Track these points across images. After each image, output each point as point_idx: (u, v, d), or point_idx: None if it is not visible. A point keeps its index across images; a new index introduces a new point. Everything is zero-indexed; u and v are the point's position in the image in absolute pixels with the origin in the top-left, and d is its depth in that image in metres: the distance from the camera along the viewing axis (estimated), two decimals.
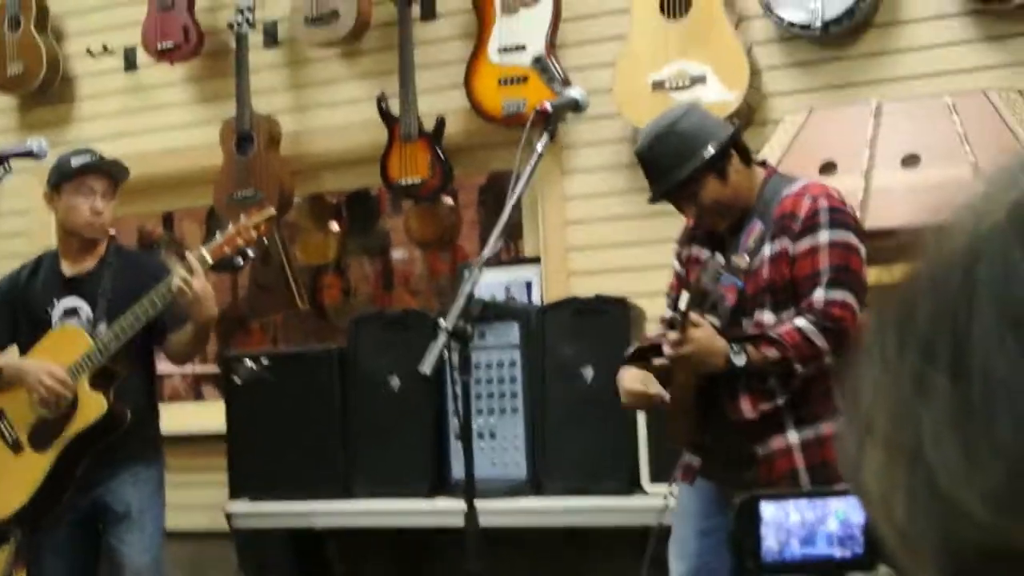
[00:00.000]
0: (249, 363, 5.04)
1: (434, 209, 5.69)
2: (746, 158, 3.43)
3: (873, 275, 4.26)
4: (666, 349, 3.28)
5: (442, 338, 2.99)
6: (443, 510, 4.63)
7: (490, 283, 4.94)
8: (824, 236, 3.29)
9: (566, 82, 4.95)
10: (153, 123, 5.84)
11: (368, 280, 7.90)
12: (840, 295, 3.26)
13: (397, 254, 7.94)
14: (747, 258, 3.29)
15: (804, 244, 3.30)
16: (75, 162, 4.45)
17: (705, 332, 3.21)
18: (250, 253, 4.25)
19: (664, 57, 4.74)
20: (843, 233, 3.31)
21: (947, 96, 4.30)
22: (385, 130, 5.26)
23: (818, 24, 4.60)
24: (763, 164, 3.53)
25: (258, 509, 4.97)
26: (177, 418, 5.43)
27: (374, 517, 4.81)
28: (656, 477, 4.29)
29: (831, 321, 3.23)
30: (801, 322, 3.25)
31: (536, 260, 5.24)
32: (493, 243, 3.20)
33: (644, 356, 3.48)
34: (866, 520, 1.16)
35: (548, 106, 3.47)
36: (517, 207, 3.38)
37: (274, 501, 4.94)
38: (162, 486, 4.54)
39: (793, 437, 3.31)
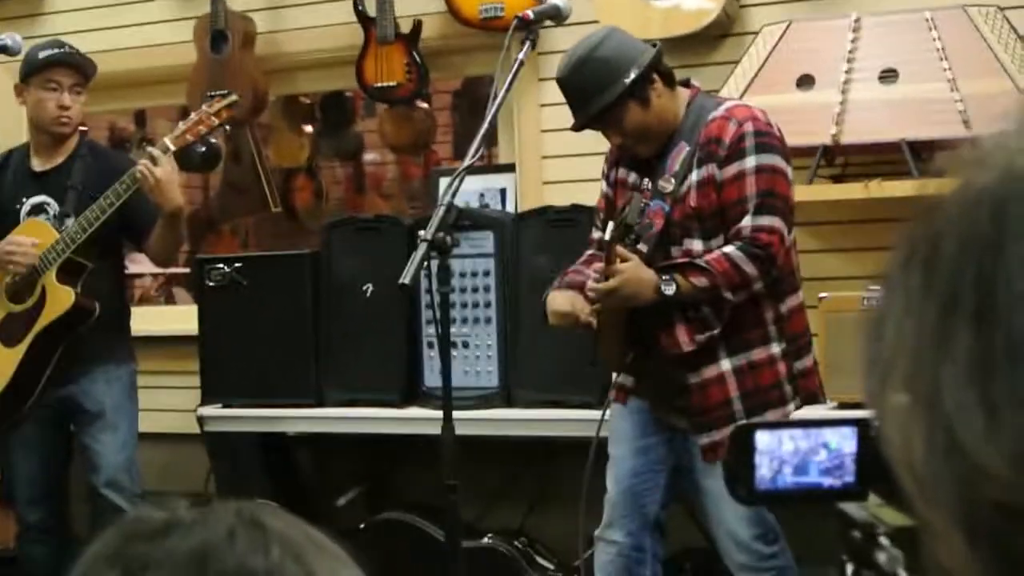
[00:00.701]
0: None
1: (409, 113, 5.64)
2: (669, 81, 3.39)
3: (853, 191, 4.29)
4: (590, 283, 3.27)
5: (422, 249, 2.97)
6: (415, 417, 4.66)
7: (464, 190, 4.88)
8: (750, 161, 3.28)
9: None
10: (126, 19, 5.77)
11: (340, 183, 7.88)
12: (767, 221, 3.27)
13: (370, 157, 7.89)
14: (673, 181, 3.28)
15: (730, 170, 3.29)
16: (42, 55, 4.40)
17: (631, 264, 3.20)
18: (212, 140, 4.26)
19: None
20: (769, 157, 3.30)
21: (926, 11, 4.29)
22: (361, 32, 5.22)
23: None
24: (687, 84, 3.49)
25: (230, 413, 4.98)
26: (149, 320, 5.45)
27: (345, 424, 4.83)
28: None
29: (759, 247, 3.24)
30: (729, 249, 3.25)
31: (511, 168, 5.22)
32: (473, 152, 3.17)
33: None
34: (858, 450, 1.16)
35: (530, 14, 3.43)
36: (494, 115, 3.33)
37: (246, 407, 4.96)
38: (134, 387, 4.55)
39: (726, 364, 3.33)
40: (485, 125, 3.27)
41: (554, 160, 5.08)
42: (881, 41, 4.35)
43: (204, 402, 5.03)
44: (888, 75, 4.30)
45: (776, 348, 3.37)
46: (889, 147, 4.25)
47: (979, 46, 4.19)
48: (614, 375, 3.53)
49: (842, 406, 4.16)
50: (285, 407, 4.89)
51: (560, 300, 3.40)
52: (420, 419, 4.57)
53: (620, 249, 3.19)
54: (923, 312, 0.69)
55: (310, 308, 4.93)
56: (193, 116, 4.22)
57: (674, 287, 3.24)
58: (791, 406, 3.40)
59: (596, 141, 4.90)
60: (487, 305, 4.68)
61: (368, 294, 4.85)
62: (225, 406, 5.00)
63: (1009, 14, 4.26)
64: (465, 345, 4.70)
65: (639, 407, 3.52)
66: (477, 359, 4.69)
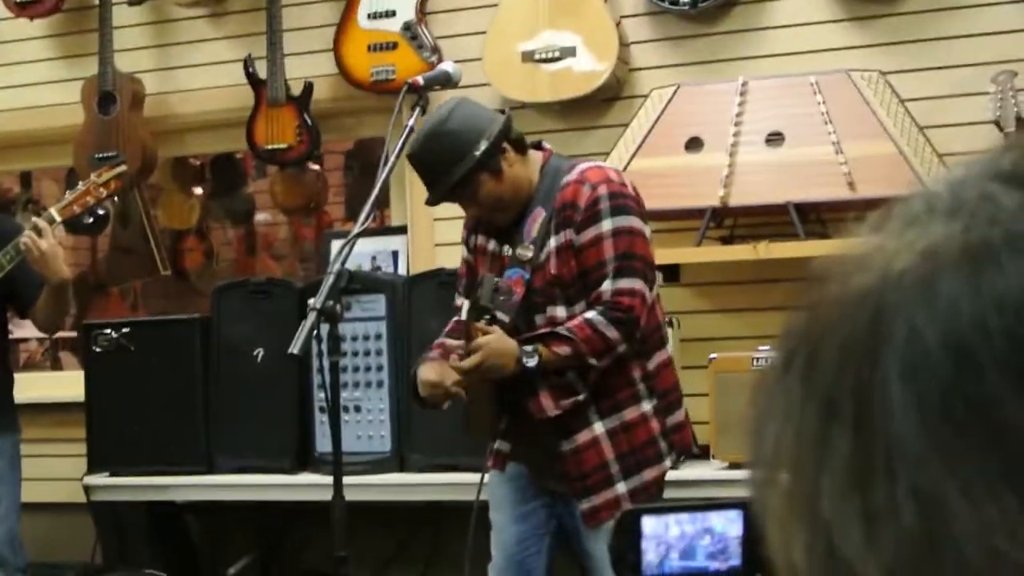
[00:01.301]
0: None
1: (300, 175, 5.63)
2: (520, 147, 3.38)
3: (741, 252, 4.33)
4: (452, 360, 3.26)
5: (311, 318, 2.94)
6: (307, 484, 4.63)
7: (356, 252, 4.85)
8: (606, 224, 3.29)
9: (435, 50, 4.91)
10: (12, 79, 5.71)
11: (231, 244, 7.80)
12: (627, 283, 3.27)
13: (261, 218, 7.84)
14: (532, 248, 3.29)
15: (587, 234, 3.29)
16: None
17: (492, 339, 3.20)
18: (100, 212, 4.19)
19: (534, 27, 4.73)
20: (624, 219, 3.30)
21: (812, 76, 4.36)
22: (252, 93, 5.21)
23: None
24: (538, 146, 3.49)
25: (117, 482, 4.92)
26: (34, 386, 5.36)
27: (236, 491, 4.79)
28: None
29: (620, 311, 3.25)
30: (591, 314, 3.26)
31: (403, 230, 5.20)
32: (364, 217, 3.16)
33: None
34: (744, 533, 1.15)
35: (420, 80, 3.44)
36: (386, 178, 3.32)
37: (134, 475, 4.90)
38: (18, 456, 4.45)
39: (599, 427, 3.33)
40: (376, 189, 3.27)
41: (446, 222, 5.06)
42: (768, 105, 4.41)
43: (91, 470, 4.95)
44: (774, 138, 4.36)
45: (647, 406, 3.37)
46: (776, 209, 4.30)
47: (862, 109, 4.26)
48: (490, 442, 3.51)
49: (732, 466, 4.21)
50: (175, 474, 4.84)
51: (428, 371, 3.38)
52: (312, 485, 4.54)
53: (479, 325, 3.19)
54: (803, 418, 0.68)
55: (200, 373, 4.89)
56: (80, 186, 4.14)
57: (536, 359, 3.23)
58: (667, 461, 3.41)
59: None
60: (379, 368, 4.66)
61: (259, 359, 4.81)
62: (113, 474, 4.93)
63: (891, 78, 4.35)
64: (357, 409, 4.67)
65: (517, 473, 3.50)
66: (370, 423, 4.66)
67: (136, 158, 5.27)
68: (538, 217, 3.33)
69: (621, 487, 3.31)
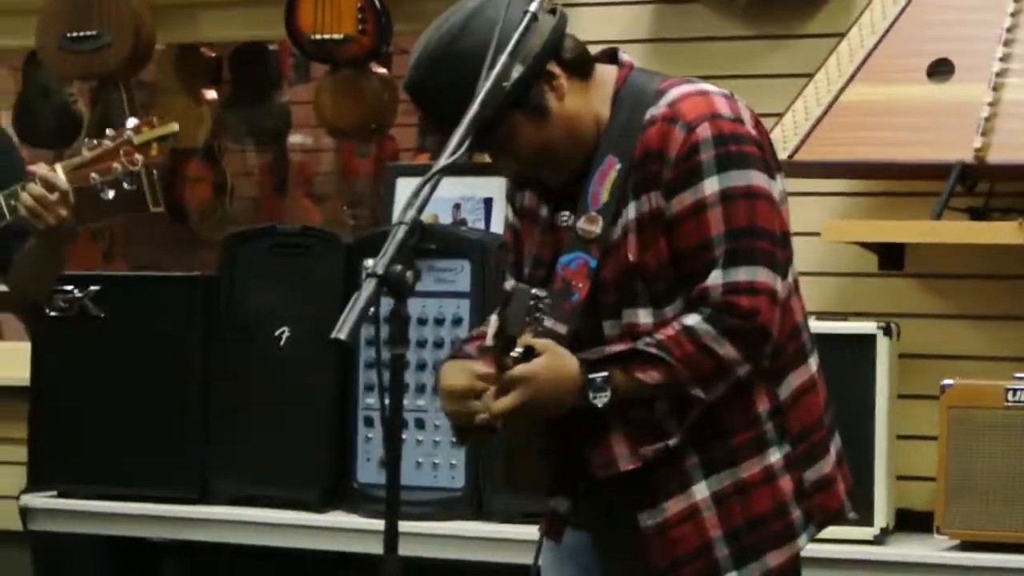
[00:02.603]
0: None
1: (359, 81, 5.59)
2: (578, 69, 3.23)
3: (1002, 232, 4.23)
4: (485, 399, 3.16)
5: (369, 288, 2.88)
6: (342, 527, 4.63)
7: (435, 198, 4.83)
8: (710, 185, 3.10)
9: None
10: None
11: (253, 175, 7.82)
12: (747, 274, 3.10)
13: (297, 140, 7.84)
14: (600, 221, 3.15)
15: (683, 200, 3.11)
16: None
17: (538, 366, 3.08)
18: (126, 185, 4.12)
19: None
20: (740, 175, 3.12)
21: None
22: None
23: None
24: (613, 58, 3.36)
25: (68, 506, 4.93)
26: None
27: (239, 531, 4.79)
28: None
29: (737, 316, 3.09)
30: (693, 321, 3.09)
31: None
32: (455, 145, 3.08)
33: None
34: None
35: None
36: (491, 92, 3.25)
37: (91, 497, 4.91)
38: None
39: (701, 491, 3.18)
40: (475, 105, 3.18)
41: None
42: None
43: (32, 487, 4.97)
44: None
45: (775, 455, 3.21)
46: None
47: None
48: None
49: (964, 546, 4.13)
50: (152, 500, 4.83)
51: (454, 373, 3.30)
52: (349, 530, 4.55)
53: (513, 356, 3.08)
54: None
55: (197, 358, 4.89)
56: (107, 142, 4.08)
57: (608, 393, 3.12)
58: (802, 539, 3.28)
59: None
60: None
61: (283, 342, 4.80)
62: (62, 494, 4.94)
63: None
64: (420, 425, 4.64)
65: (579, 545, 3.41)
66: (437, 446, 4.63)
67: (125, 42, 5.29)
68: (609, 170, 3.20)
69: None
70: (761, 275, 3.05)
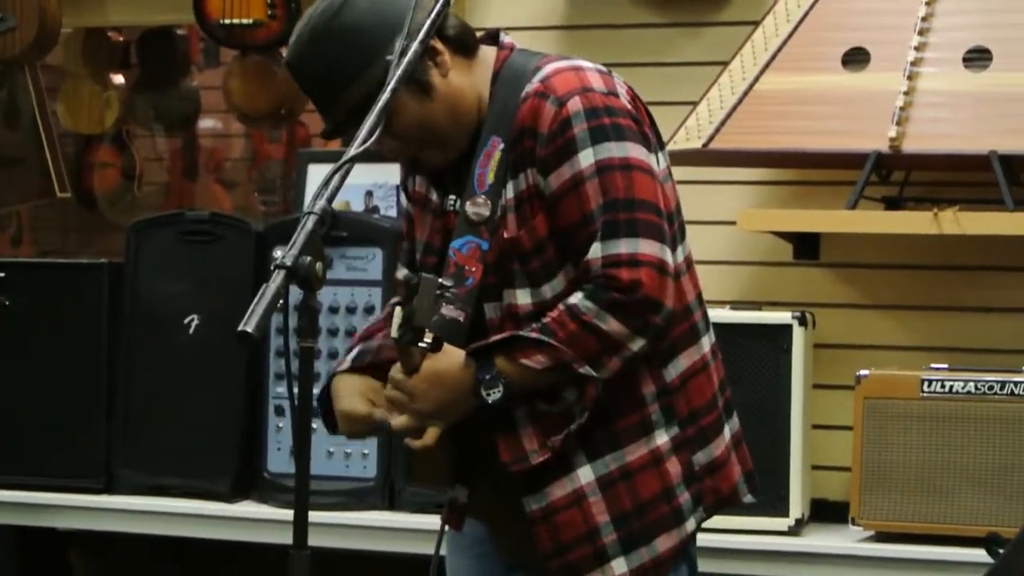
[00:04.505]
0: None
1: (270, 66, 5.56)
2: (462, 46, 3.20)
3: (916, 222, 4.23)
4: (377, 414, 3.13)
5: (277, 279, 2.82)
6: (250, 517, 4.60)
7: (347, 185, 4.81)
8: (587, 158, 3.07)
9: None
10: None
11: (162, 162, 7.78)
12: (626, 246, 3.05)
13: (207, 125, 7.81)
14: (488, 202, 3.12)
15: (561, 176, 3.09)
16: None
17: (423, 380, 3.05)
18: None
19: None
20: (614, 146, 3.08)
21: None
22: None
23: None
24: (495, 39, 3.33)
25: None
26: None
27: (145, 521, 4.75)
28: None
29: (617, 289, 3.05)
30: (575, 298, 3.07)
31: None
32: (366, 133, 3.03)
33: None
34: None
35: None
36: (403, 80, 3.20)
37: None
38: None
39: (586, 475, 3.14)
40: (386, 92, 3.13)
41: None
42: (970, 6, 4.35)
43: None
44: (976, 57, 4.29)
45: (662, 438, 3.16)
46: (972, 161, 4.20)
47: None
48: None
49: (880, 537, 4.14)
50: (56, 490, 4.81)
51: (350, 399, 3.23)
52: (258, 520, 4.53)
53: (420, 348, 3.03)
54: None
55: (103, 345, 4.86)
56: None
57: (501, 390, 3.08)
58: (690, 523, 3.23)
59: None
60: None
61: (192, 330, 4.78)
62: None
63: None
64: None
65: (478, 535, 3.37)
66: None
67: (30, 25, 5.29)
68: (494, 151, 3.16)
69: (619, 565, 3.17)
70: (644, 247, 3.00)
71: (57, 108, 6.38)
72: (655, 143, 3.13)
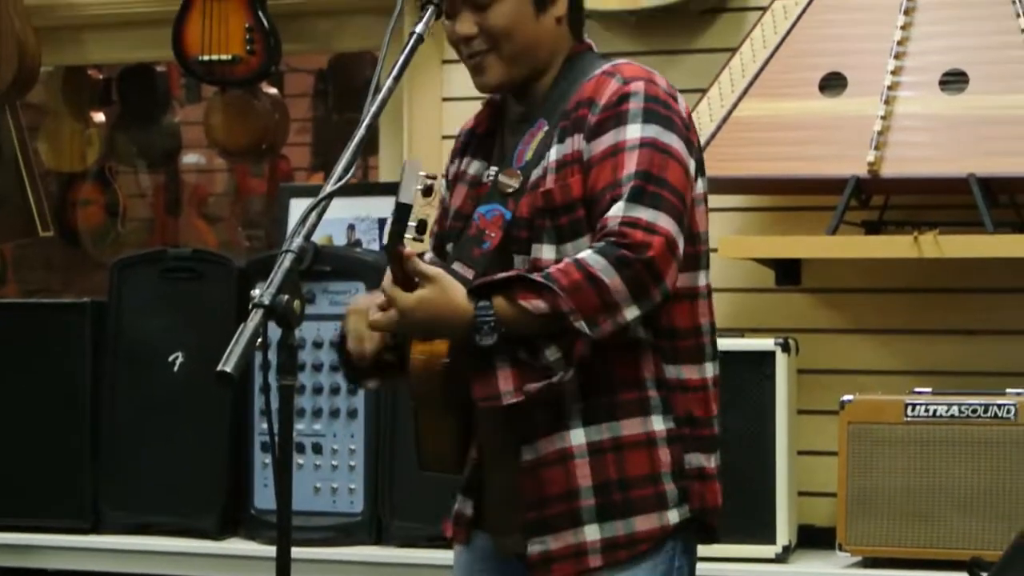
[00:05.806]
0: None
1: (250, 102, 5.57)
2: (575, 20, 3.29)
3: (896, 246, 4.24)
4: (372, 314, 3.12)
5: (255, 319, 2.81)
6: (238, 554, 4.61)
7: (328, 219, 4.78)
8: (633, 132, 3.11)
9: None
10: None
11: (145, 198, 7.78)
12: (647, 214, 3.06)
13: (190, 161, 7.80)
14: (519, 177, 3.15)
15: (604, 141, 3.11)
16: None
17: (423, 296, 3.04)
18: None
19: None
20: (662, 131, 3.12)
21: None
22: None
23: None
24: (581, 36, 3.41)
25: None
26: None
27: (133, 560, 4.73)
28: None
29: (626, 247, 3.05)
30: (585, 253, 3.08)
31: (394, 188, 5.11)
32: (344, 167, 3.03)
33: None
34: None
35: None
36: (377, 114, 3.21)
37: None
38: None
39: (577, 437, 3.15)
40: (361, 128, 3.14)
41: None
42: (946, 29, 4.35)
43: None
44: (953, 80, 4.30)
45: (659, 424, 3.16)
46: (951, 184, 4.21)
47: None
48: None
49: (866, 563, 4.13)
50: (41, 531, 4.80)
51: (358, 308, 3.26)
52: (246, 557, 4.54)
53: (410, 253, 3.03)
54: None
55: (87, 384, 4.85)
56: None
57: (494, 335, 3.08)
58: (672, 513, 3.22)
59: None
60: (351, 392, 4.60)
61: (176, 368, 4.78)
62: None
63: None
64: (317, 450, 4.61)
65: (488, 547, 3.37)
66: (335, 470, 4.60)
67: (9, 64, 5.29)
68: (538, 131, 3.22)
69: (591, 532, 3.16)
70: (663, 220, 3.01)
71: (39, 146, 6.38)
72: (698, 159, 3.19)
